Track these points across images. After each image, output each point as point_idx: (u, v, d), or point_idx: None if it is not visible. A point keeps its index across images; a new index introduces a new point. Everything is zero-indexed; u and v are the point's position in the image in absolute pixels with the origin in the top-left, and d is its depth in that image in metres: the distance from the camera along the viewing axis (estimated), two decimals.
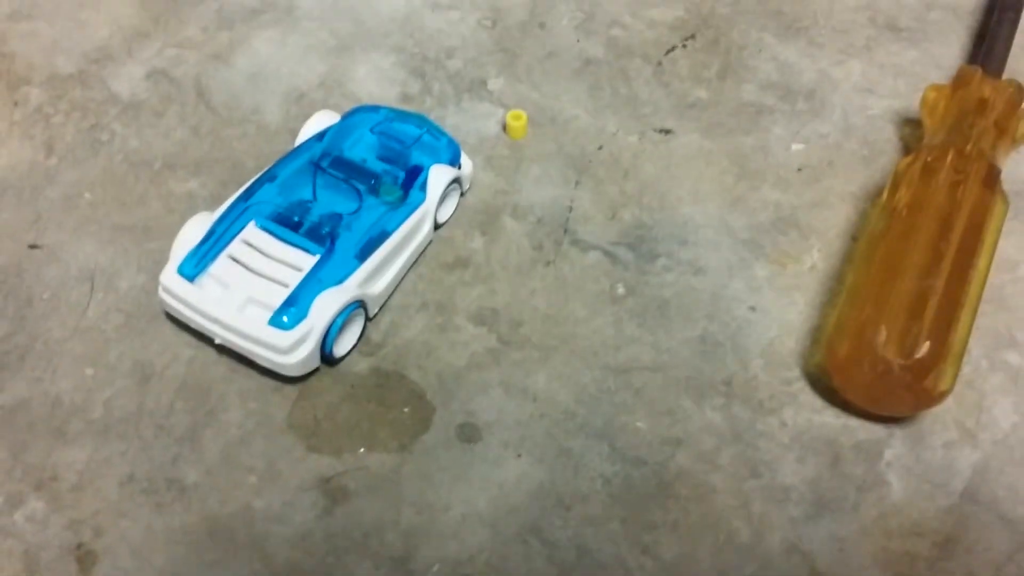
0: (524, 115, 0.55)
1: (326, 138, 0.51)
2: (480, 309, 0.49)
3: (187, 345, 0.47)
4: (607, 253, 0.51)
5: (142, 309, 0.48)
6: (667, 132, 0.56)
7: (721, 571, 0.42)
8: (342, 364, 0.47)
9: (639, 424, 0.45)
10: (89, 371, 0.46)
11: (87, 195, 0.52)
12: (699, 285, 0.50)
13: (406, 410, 0.46)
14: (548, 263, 0.51)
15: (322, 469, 0.44)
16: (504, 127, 0.56)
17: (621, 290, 0.50)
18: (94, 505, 0.42)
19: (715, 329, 0.48)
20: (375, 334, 0.48)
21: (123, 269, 0.50)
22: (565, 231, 0.52)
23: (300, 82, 0.58)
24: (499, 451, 0.44)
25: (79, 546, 0.41)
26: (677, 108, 0.57)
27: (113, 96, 0.57)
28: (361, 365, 0.47)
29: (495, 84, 0.58)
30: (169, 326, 0.48)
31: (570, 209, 0.53)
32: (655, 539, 0.42)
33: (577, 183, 0.54)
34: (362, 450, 0.44)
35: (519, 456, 0.44)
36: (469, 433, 0.45)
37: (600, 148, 0.55)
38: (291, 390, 0.46)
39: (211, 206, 0.49)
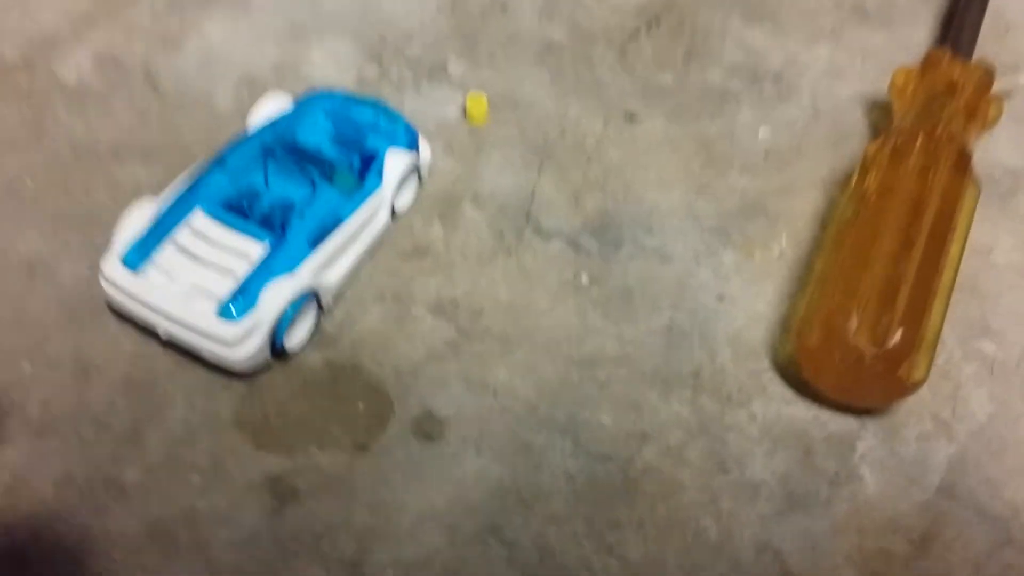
0: (484, 99, 0.53)
1: (278, 122, 0.49)
2: (439, 300, 0.47)
3: (130, 339, 0.45)
4: (570, 241, 0.49)
5: (84, 302, 0.46)
6: (632, 117, 0.54)
7: (689, 571, 0.40)
8: (294, 358, 0.45)
9: (603, 418, 0.44)
10: (26, 366, 0.44)
11: (29, 182, 0.50)
12: (665, 273, 0.48)
13: (361, 405, 0.44)
14: (510, 252, 0.49)
15: (271, 468, 0.42)
16: (464, 112, 0.54)
17: (585, 279, 0.48)
18: (28, 507, 0.40)
19: (682, 319, 0.47)
20: (329, 326, 0.46)
21: (65, 260, 0.47)
22: (527, 219, 0.50)
23: (253, 67, 0.56)
24: (458, 447, 0.43)
25: (12, 552, 0.39)
26: (642, 93, 0.55)
27: (58, 82, 0.55)
28: (314, 358, 0.45)
29: (455, 68, 0.56)
30: (112, 320, 0.45)
31: (532, 196, 0.51)
32: (620, 538, 0.41)
33: (539, 170, 0.52)
34: (314, 448, 0.42)
35: (479, 452, 0.43)
36: (427, 429, 0.43)
37: (563, 134, 0.54)
38: (240, 386, 0.44)
39: (158, 194, 0.47)
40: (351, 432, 0.43)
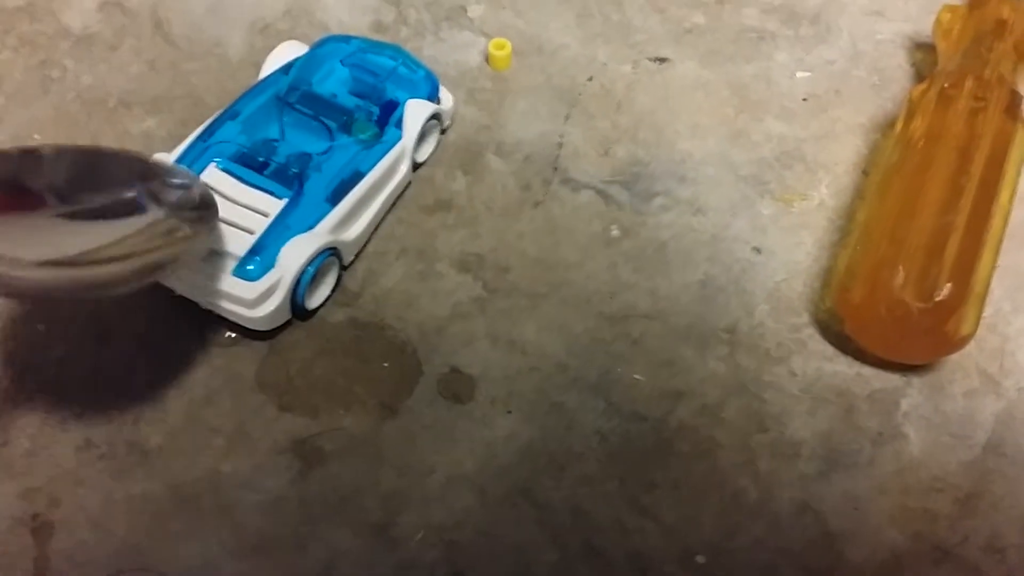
0: (508, 44, 0.51)
1: (293, 71, 0.47)
2: (464, 255, 0.46)
3: (146, 298, 0.43)
4: (600, 192, 0.48)
5: None
6: (663, 61, 0.52)
7: (726, 533, 0.39)
8: (316, 317, 0.44)
9: (637, 376, 0.42)
10: (41, 327, 0.43)
11: (37, 136, 0.49)
12: (699, 226, 0.47)
13: (385, 365, 0.42)
14: (536, 204, 0.47)
15: (295, 430, 0.41)
16: (487, 58, 0.52)
17: (616, 232, 0.46)
18: (49, 472, 0.39)
19: (717, 273, 0.45)
20: (351, 283, 0.45)
21: None
22: (554, 169, 0.48)
23: (265, 11, 0.54)
24: (486, 408, 0.41)
25: (34, 517, 0.38)
26: (673, 35, 0.53)
27: (64, 29, 0.53)
28: (336, 317, 0.44)
29: (476, 11, 0.54)
30: None
31: (559, 145, 0.49)
32: (655, 500, 0.40)
33: (567, 117, 0.50)
34: (339, 409, 0.41)
35: (508, 413, 0.41)
36: (454, 389, 0.42)
37: (591, 79, 0.52)
38: (261, 345, 0.43)
39: (169, 146, 0.45)
40: (376, 393, 0.42)
